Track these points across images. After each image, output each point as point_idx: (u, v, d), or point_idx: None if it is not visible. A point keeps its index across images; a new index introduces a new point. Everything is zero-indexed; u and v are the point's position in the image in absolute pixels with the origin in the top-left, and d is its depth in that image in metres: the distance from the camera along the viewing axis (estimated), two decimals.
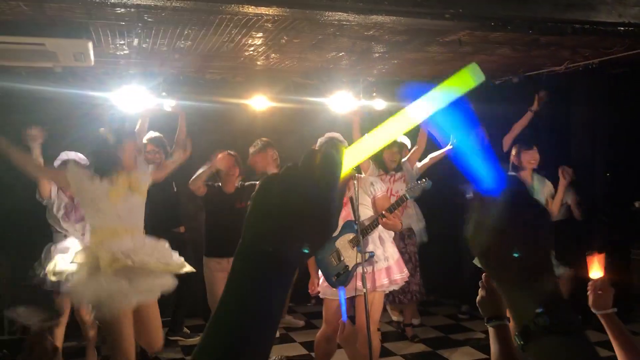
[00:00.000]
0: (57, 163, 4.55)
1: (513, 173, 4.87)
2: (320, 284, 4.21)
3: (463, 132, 0.86)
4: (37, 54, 4.06)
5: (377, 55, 5.20)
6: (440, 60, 5.45)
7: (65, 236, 4.59)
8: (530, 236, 0.86)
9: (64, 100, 5.41)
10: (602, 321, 2.19)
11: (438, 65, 5.72)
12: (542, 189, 4.84)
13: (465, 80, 0.82)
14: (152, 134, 5.07)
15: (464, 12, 3.12)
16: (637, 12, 3.33)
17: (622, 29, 3.39)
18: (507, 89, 6.61)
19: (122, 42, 4.50)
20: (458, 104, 0.83)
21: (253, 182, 4.95)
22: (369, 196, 4.04)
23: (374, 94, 6.43)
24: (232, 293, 0.71)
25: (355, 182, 3.86)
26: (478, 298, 1.57)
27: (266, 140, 5.28)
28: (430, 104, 0.81)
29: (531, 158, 4.85)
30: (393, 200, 4.26)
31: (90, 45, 4.04)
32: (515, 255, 0.84)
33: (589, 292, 2.26)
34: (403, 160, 5.45)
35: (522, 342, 0.84)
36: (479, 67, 0.83)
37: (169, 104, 5.68)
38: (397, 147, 5.27)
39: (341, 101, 6.34)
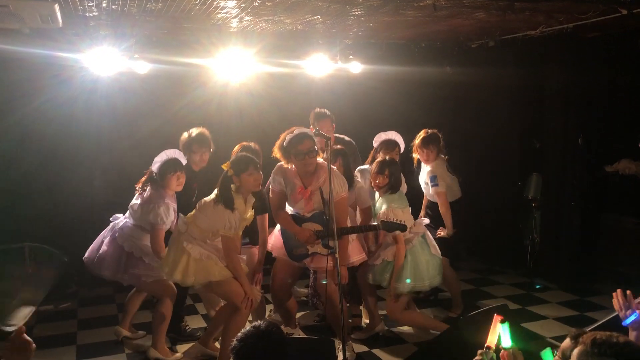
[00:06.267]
0: (155, 166, 4.42)
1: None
2: (274, 244, 4.53)
3: None
4: (1, 15, 3.93)
5: (353, 18, 5.13)
6: (416, 23, 5.41)
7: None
8: None
9: (33, 61, 5.28)
10: None
11: (414, 28, 5.67)
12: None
13: None
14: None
15: None
16: None
17: None
18: (484, 52, 6.61)
19: (90, 3, 4.37)
20: None
21: None
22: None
23: (351, 56, 6.37)
24: None
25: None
26: None
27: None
28: None
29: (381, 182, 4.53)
30: None
31: (56, 7, 3.90)
32: None
33: None
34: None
35: None
36: None
37: (141, 66, 5.58)
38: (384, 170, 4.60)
39: (317, 64, 6.28)
